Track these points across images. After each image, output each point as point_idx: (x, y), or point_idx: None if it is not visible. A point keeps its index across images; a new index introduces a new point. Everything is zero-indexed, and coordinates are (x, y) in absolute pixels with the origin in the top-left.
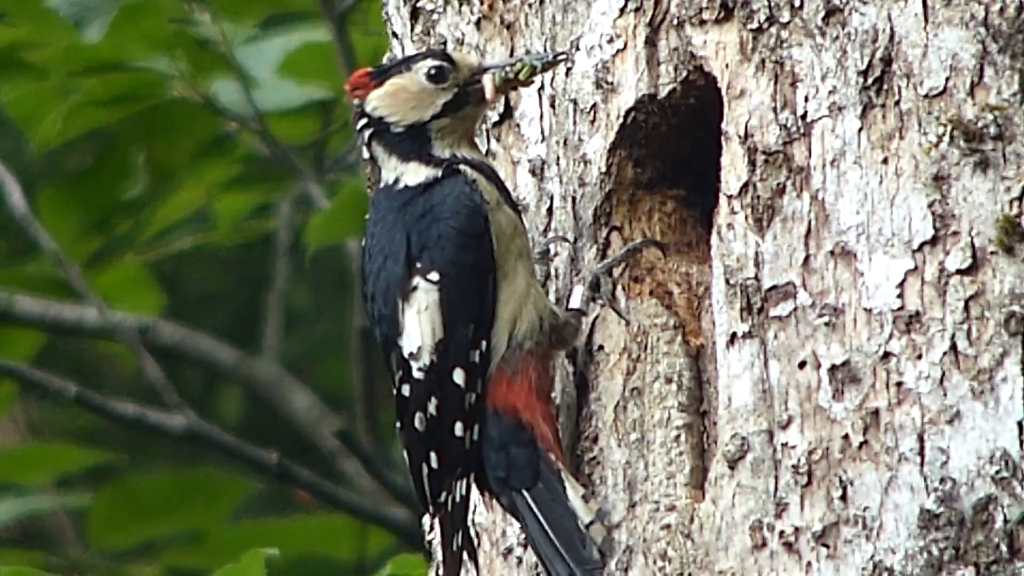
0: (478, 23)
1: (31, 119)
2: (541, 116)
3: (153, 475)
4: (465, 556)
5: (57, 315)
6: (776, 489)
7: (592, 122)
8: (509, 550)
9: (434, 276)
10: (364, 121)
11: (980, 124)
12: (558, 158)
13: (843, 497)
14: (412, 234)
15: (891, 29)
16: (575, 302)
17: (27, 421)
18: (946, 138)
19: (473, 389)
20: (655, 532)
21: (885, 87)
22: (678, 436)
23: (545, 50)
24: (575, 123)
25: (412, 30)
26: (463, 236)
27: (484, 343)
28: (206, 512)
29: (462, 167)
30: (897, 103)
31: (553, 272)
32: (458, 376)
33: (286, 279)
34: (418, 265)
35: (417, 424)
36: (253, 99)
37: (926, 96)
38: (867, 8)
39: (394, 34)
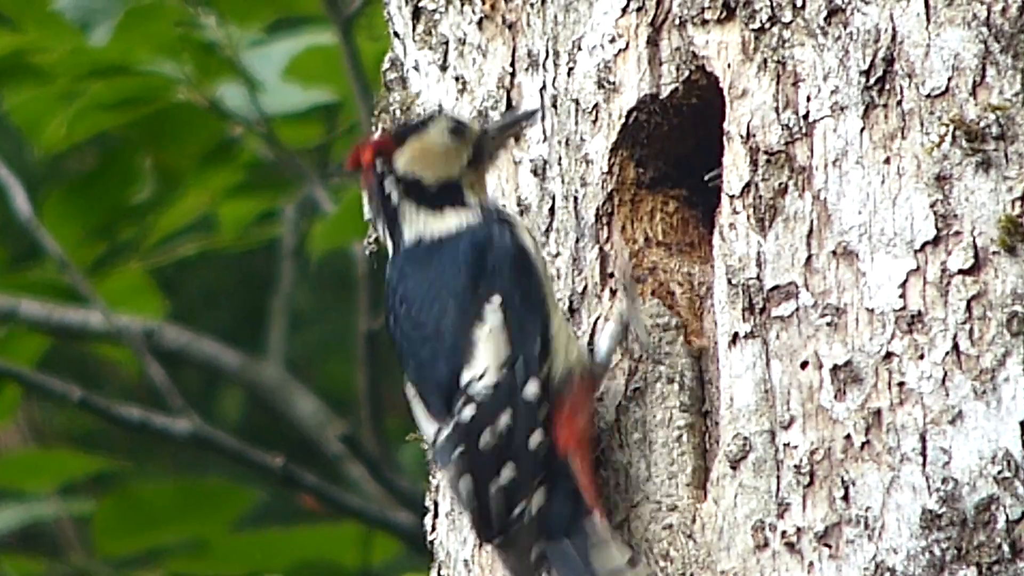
0: (480, 23)
1: (36, 123)
2: (543, 116)
3: (157, 482)
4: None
5: (61, 319)
6: (778, 489)
7: (594, 122)
8: None
9: (496, 299)
10: (394, 180)
11: (982, 124)
12: (560, 158)
13: (845, 497)
14: (466, 268)
15: (893, 29)
16: (600, 355)
17: (30, 423)
18: (948, 138)
19: (545, 401)
20: (657, 532)
21: (887, 87)
22: (680, 436)
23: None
24: (577, 123)
25: (414, 30)
26: (517, 263)
27: (549, 360)
28: (210, 520)
29: (504, 215)
30: (899, 103)
31: (555, 272)
32: (532, 388)
33: (291, 282)
34: (479, 291)
35: (484, 443)
36: (258, 103)
37: (928, 96)
38: (869, 8)
39: (396, 34)
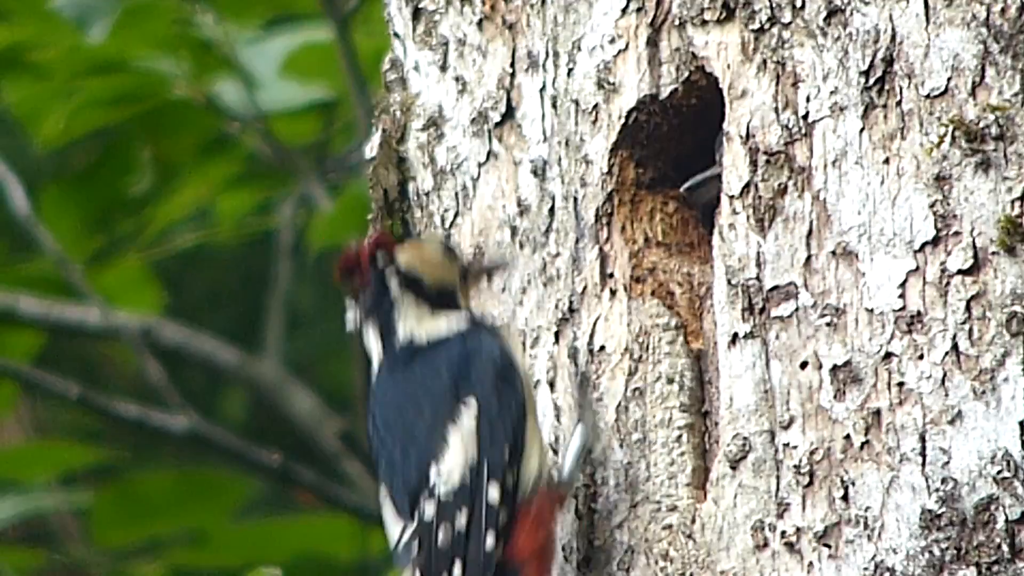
0: (480, 23)
1: (34, 119)
2: (543, 116)
3: (156, 474)
4: None
5: (59, 315)
6: (778, 489)
7: (594, 122)
8: None
9: (473, 402)
10: (395, 272)
11: (982, 124)
12: (560, 158)
13: (845, 497)
14: (450, 373)
15: (893, 29)
16: (564, 474)
17: (32, 419)
18: (948, 138)
19: (506, 507)
20: (657, 532)
21: (887, 87)
22: (680, 436)
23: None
24: (577, 123)
25: (414, 31)
26: (501, 374)
27: (516, 469)
28: (209, 511)
29: (492, 325)
30: (899, 103)
31: (555, 272)
32: (493, 492)
33: (287, 279)
34: (459, 395)
35: (441, 538)
36: (255, 99)
37: (928, 96)
38: (868, 8)
39: (395, 35)
